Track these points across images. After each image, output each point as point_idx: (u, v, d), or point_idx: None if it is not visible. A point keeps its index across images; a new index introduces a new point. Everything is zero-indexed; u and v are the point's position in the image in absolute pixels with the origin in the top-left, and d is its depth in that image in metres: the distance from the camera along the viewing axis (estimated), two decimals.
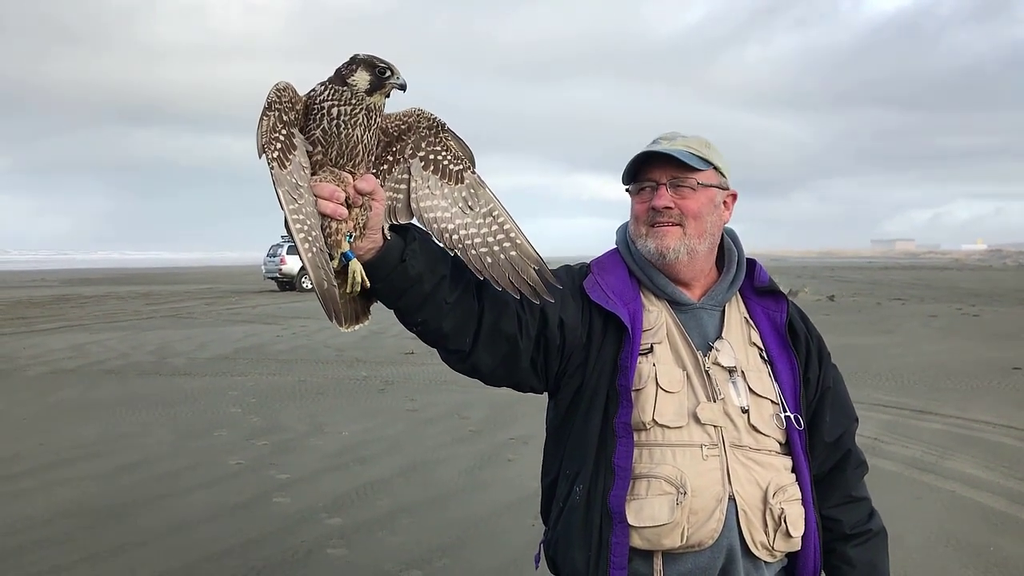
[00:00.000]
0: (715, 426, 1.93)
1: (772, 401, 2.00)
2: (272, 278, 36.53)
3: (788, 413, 2.00)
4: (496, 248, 1.85)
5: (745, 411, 1.96)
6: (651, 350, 1.98)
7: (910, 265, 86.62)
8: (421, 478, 6.63)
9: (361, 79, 1.73)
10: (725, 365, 1.99)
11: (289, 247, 35.80)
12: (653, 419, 1.92)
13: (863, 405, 9.54)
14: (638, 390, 1.94)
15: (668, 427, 1.92)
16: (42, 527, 5.56)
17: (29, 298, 31.06)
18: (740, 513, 1.89)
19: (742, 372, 2.00)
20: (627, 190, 2.12)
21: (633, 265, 2.10)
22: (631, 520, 1.88)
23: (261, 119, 1.67)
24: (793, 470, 2.00)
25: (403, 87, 1.77)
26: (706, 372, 1.98)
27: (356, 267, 1.76)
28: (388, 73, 1.74)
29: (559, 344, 1.97)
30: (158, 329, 18.72)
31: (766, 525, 1.91)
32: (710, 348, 2.02)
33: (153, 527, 5.51)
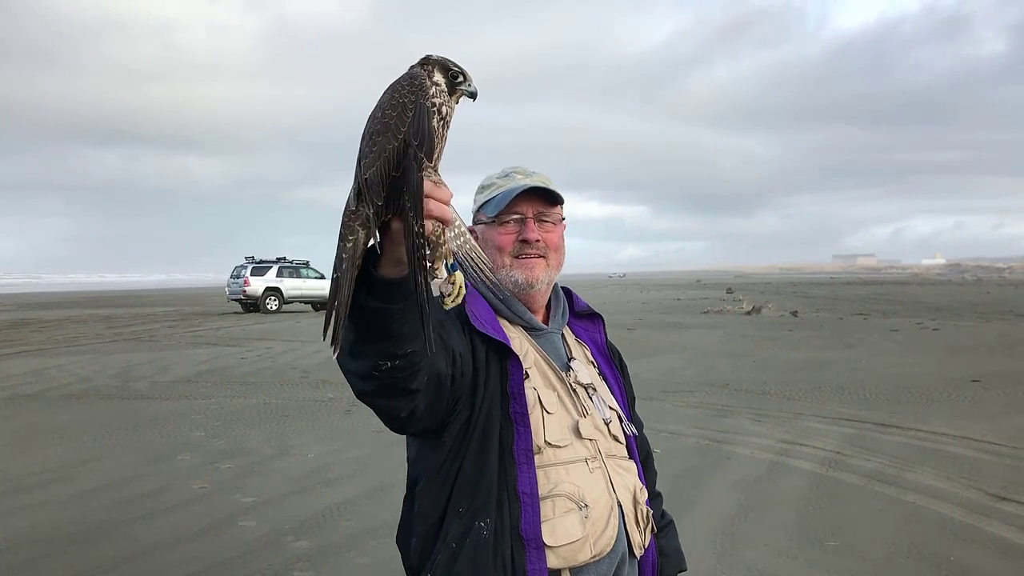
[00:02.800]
0: (591, 440, 2.04)
1: (617, 412, 2.17)
2: (236, 300, 36.27)
3: (628, 422, 2.19)
4: (464, 247, 1.82)
5: (607, 422, 2.10)
6: (527, 375, 2.04)
7: (871, 280, 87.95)
8: (388, 500, 6.60)
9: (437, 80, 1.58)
10: (584, 383, 2.13)
11: (254, 268, 35.57)
12: (546, 441, 1.97)
13: (826, 419, 9.68)
14: (528, 415, 1.99)
15: (558, 447, 1.98)
16: (2, 555, 5.46)
17: None
18: (625, 518, 2.02)
19: (594, 387, 2.15)
20: (483, 221, 2.17)
21: (489, 295, 2.13)
22: (548, 541, 1.90)
23: (413, 107, 1.47)
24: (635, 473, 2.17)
25: (473, 95, 1.63)
26: (573, 390, 2.09)
27: (462, 277, 1.67)
28: (461, 78, 1.61)
29: (459, 379, 1.92)
30: (120, 353, 18.48)
31: (638, 525, 2.06)
32: (568, 368, 2.14)
33: (116, 553, 5.44)
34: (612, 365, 2.29)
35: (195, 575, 5.08)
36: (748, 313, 30.26)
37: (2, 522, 6.17)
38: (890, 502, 6.41)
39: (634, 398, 2.38)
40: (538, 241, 2.12)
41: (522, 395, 1.97)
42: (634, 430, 2.19)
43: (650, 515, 2.12)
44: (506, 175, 2.18)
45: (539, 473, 1.95)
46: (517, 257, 2.12)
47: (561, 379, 2.09)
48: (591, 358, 2.25)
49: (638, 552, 2.05)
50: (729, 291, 53.49)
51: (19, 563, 5.33)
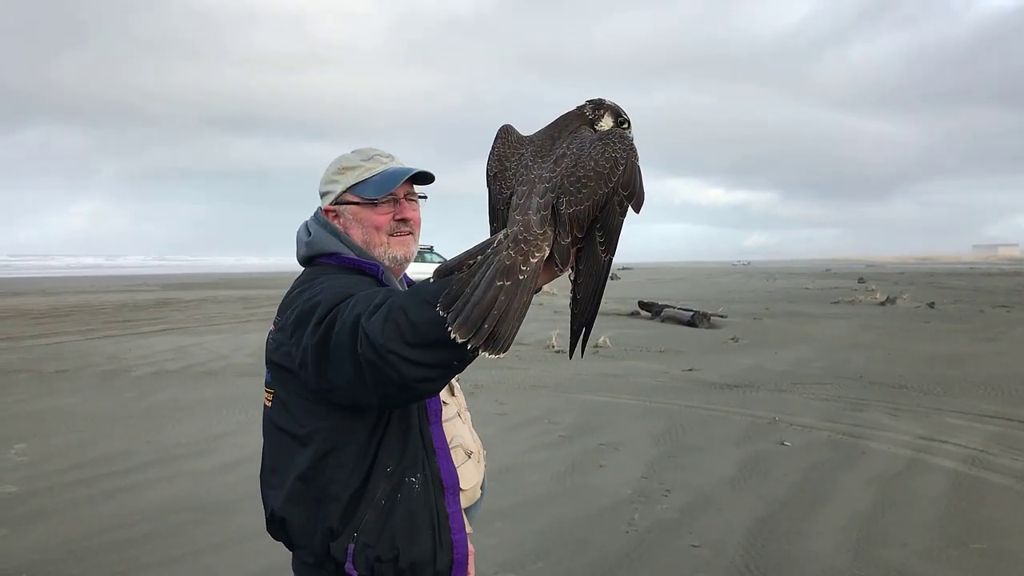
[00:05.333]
0: (456, 395, 2.33)
1: None
2: None
3: None
4: None
5: (456, 380, 2.34)
6: None
7: (1014, 271, 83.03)
8: (513, 482, 6.65)
9: (606, 125, 1.86)
10: None
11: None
12: (442, 399, 2.22)
13: (968, 415, 9.21)
14: None
15: (446, 403, 2.24)
16: (151, 521, 5.79)
17: (133, 302, 32.29)
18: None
19: None
20: (353, 202, 2.28)
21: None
22: (463, 486, 2.18)
23: (624, 162, 1.73)
24: None
25: None
26: None
27: None
28: (627, 126, 1.87)
29: None
30: (256, 332, 19.21)
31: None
32: None
33: (254, 524, 5.67)
34: None
35: None
36: (882, 304, 29.08)
37: (150, 490, 6.53)
38: None
39: None
40: (411, 219, 2.32)
41: None
42: None
43: (484, 453, 2.42)
44: (369, 158, 2.31)
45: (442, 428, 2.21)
46: (392, 235, 2.29)
47: None
48: None
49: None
50: (861, 280, 51.56)
51: (166, 529, 5.63)
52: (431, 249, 37.86)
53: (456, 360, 1.70)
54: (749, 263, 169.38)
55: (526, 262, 1.65)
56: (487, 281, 1.62)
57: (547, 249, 1.69)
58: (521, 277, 1.63)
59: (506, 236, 1.70)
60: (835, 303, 30.39)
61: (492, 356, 1.61)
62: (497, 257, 1.65)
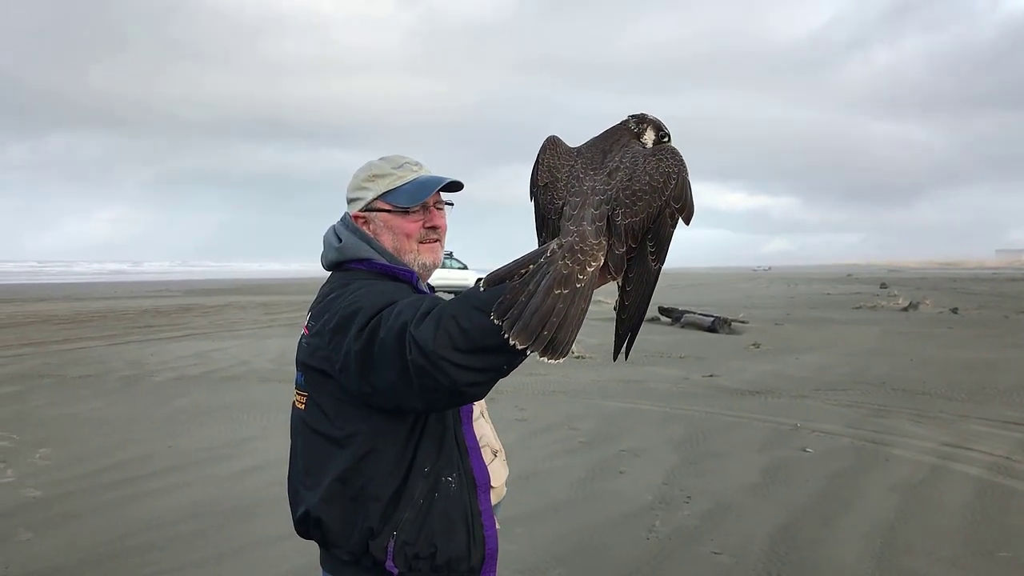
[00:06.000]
0: None
1: None
2: None
3: None
4: None
5: None
6: None
7: None
8: (533, 488, 6.64)
9: (649, 138, 1.93)
10: None
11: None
12: None
13: (992, 422, 9.11)
14: None
15: (473, 404, 2.27)
16: (173, 525, 5.82)
17: (155, 307, 32.52)
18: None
19: None
20: (384, 209, 2.29)
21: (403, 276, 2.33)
22: (493, 483, 2.25)
23: (676, 177, 1.81)
24: None
25: None
26: None
27: None
28: (667, 139, 1.93)
29: None
30: (277, 338, 19.31)
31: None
32: None
33: (275, 529, 5.69)
34: None
35: None
36: (904, 309, 28.85)
37: (172, 495, 6.57)
38: None
39: None
40: (441, 227, 2.36)
41: None
42: None
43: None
44: (400, 165, 2.32)
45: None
46: (422, 243, 2.32)
47: None
48: None
49: None
50: (883, 286, 51.19)
51: (188, 533, 5.66)
52: (451, 255, 37.93)
53: (506, 365, 1.78)
54: (770, 268, 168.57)
55: (583, 271, 1.71)
56: (544, 289, 1.67)
57: (602, 259, 1.76)
58: (578, 286, 1.70)
59: (560, 246, 1.74)
60: (857, 308, 30.20)
61: (551, 361, 1.66)
62: (553, 267, 1.70)
